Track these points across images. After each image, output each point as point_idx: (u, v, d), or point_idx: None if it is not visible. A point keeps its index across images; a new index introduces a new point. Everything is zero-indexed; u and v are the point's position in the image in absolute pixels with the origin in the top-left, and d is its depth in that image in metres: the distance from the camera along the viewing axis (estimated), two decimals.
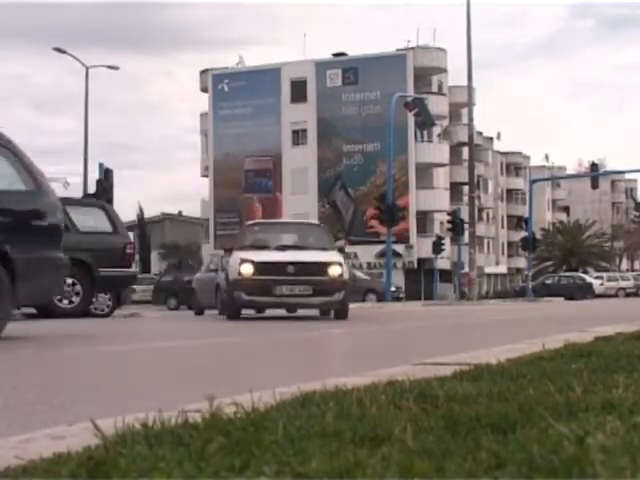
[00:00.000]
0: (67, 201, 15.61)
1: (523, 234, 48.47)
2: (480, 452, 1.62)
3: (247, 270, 12.98)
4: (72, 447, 1.77)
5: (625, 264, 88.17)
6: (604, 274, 58.68)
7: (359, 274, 39.83)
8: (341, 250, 14.95)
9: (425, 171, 59.67)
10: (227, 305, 13.77)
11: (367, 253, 56.26)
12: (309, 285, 12.92)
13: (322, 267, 13.08)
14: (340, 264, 13.21)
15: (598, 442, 1.59)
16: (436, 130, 57.53)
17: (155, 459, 1.61)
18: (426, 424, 1.99)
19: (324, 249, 13.87)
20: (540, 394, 2.47)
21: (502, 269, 78.63)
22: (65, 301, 13.95)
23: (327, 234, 15.14)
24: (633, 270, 76.89)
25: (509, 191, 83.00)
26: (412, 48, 60.76)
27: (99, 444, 1.78)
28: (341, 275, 13.08)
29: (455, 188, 63.41)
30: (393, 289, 35.31)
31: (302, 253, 13.52)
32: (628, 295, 53.05)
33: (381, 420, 2.01)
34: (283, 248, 13.74)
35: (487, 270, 72.19)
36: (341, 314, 13.16)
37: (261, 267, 13.04)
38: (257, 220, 16.67)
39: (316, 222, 17.21)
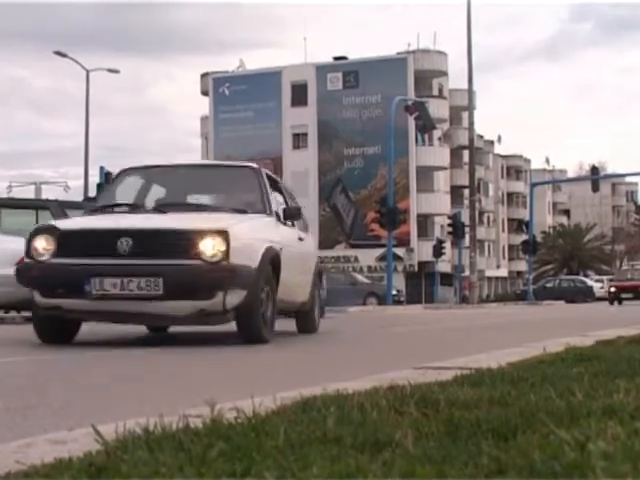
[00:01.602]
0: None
1: (524, 237, 48.51)
2: (481, 457, 1.62)
3: (42, 247, 7.06)
4: (73, 452, 1.77)
5: (625, 267, 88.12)
6: (605, 277, 58.70)
7: (360, 277, 39.86)
8: (291, 215, 8.59)
9: (426, 174, 59.69)
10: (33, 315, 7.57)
11: (368, 256, 56.28)
12: (157, 277, 6.77)
13: (185, 241, 6.91)
14: (223, 234, 6.87)
15: (599, 448, 1.59)
16: (437, 133, 57.56)
17: (156, 464, 1.61)
18: (427, 429, 1.99)
19: (241, 211, 7.91)
20: (541, 399, 2.47)
21: (503, 272, 78.64)
22: None
23: (263, 184, 8.33)
24: None
25: (510, 194, 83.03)
26: (412, 51, 60.83)
27: (100, 449, 1.78)
28: (225, 256, 6.82)
29: (456, 191, 63.47)
30: (394, 292, 35.31)
31: (169, 218, 7.54)
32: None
33: (382, 425, 2.01)
34: (163, 209, 7.86)
35: (488, 273, 72.23)
36: (250, 333, 7.23)
37: (68, 241, 7.06)
38: (141, 163, 9.70)
39: (249, 164, 9.04)
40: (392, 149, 35.15)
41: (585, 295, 47.92)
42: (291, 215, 8.61)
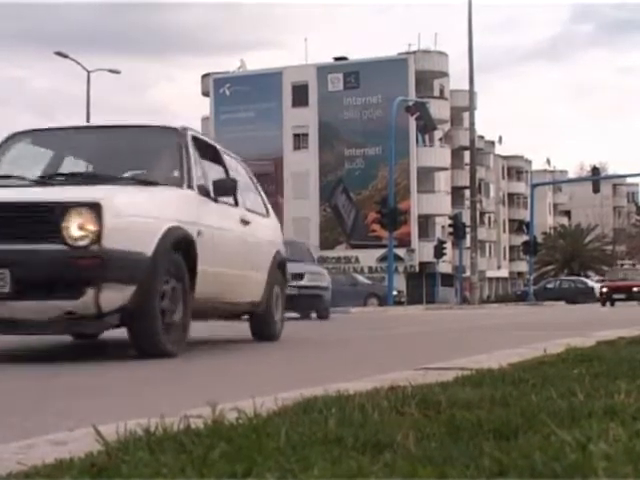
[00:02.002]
0: None
1: (524, 238, 48.51)
2: (482, 459, 1.62)
3: None
4: (74, 453, 1.77)
5: (626, 266, 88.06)
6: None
7: (361, 278, 39.86)
8: (223, 189, 6.74)
9: (426, 175, 59.70)
10: None
11: (369, 257, 56.26)
12: (1, 268, 5.15)
13: (43, 218, 5.24)
14: (95, 208, 5.21)
15: (601, 449, 1.59)
16: (437, 134, 57.58)
17: (157, 466, 1.61)
18: (428, 430, 1.99)
19: (150, 182, 6.21)
20: (542, 399, 2.47)
21: (504, 273, 78.64)
22: None
23: (184, 149, 6.53)
24: None
25: (510, 195, 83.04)
26: (413, 52, 60.86)
27: (101, 450, 1.78)
28: (97, 238, 5.17)
29: (456, 192, 63.49)
30: (395, 293, 35.30)
31: (34, 190, 5.91)
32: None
33: (383, 426, 2.01)
34: (47, 181, 6.25)
35: (489, 274, 72.25)
36: (144, 343, 5.64)
37: None
38: (36, 126, 7.46)
39: (173, 124, 6.90)
40: (393, 150, 35.13)
41: (586, 296, 47.84)
42: (223, 189, 6.69)
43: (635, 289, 34.02)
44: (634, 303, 32.59)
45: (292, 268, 14.63)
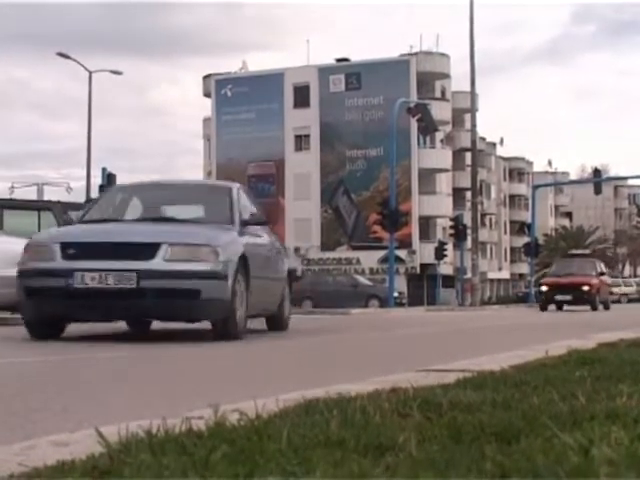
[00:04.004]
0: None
1: (526, 240, 48.41)
2: (485, 462, 1.62)
3: None
4: (76, 454, 1.76)
5: (628, 270, 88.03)
6: None
7: (362, 279, 39.84)
8: None
9: (428, 176, 59.68)
10: None
11: (370, 258, 56.23)
12: None
13: None
14: None
15: (603, 453, 1.58)
16: (439, 135, 57.53)
17: (159, 468, 1.61)
18: (430, 433, 1.98)
19: None
20: (544, 402, 2.47)
21: (505, 274, 78.61)
22: None
23: None
24: (636, 276, 76.85)
25: (512, 197, 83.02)
26: (415, 53, 60.85)
27: (103, 452, 1.78)
28: None
29: (458, 193, 63.46)
30: (396, 295, 35.27)
31: None
32: (630, 301, 52.96)
33: (385, 429, 2.01)
34: None
35: (490, 275, 72.21)
36: None
37: None
38: None
39: None
40: (394, 151, 35.09)
41: None
42: None
43: (585, 287, 25.10)
44: (585, 307, 25.08)
45: (113, 234, 7.95)
